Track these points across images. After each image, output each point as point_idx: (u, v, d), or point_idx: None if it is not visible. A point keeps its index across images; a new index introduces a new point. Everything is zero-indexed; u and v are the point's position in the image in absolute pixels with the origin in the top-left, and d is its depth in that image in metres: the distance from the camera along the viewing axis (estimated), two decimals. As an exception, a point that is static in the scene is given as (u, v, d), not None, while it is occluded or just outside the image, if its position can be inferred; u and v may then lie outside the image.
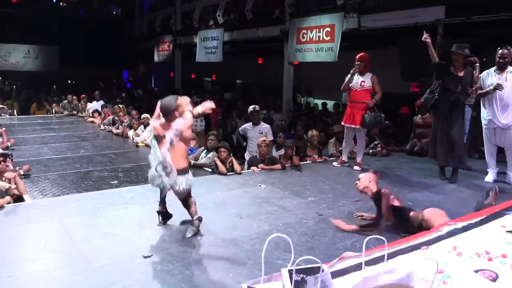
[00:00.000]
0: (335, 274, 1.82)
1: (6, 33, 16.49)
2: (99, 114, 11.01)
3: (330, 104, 11.50)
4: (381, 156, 6.77)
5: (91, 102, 12.18)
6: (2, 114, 11.57)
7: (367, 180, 3.73)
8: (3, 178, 4.44)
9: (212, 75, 17.91)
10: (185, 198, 3.58)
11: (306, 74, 12.55)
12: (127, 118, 9.34)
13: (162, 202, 3.78)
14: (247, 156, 6.59)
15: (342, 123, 6.14)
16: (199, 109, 3.64)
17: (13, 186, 4.43)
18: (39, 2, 17.25)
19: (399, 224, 3.54)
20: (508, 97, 4.97)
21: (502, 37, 6.31)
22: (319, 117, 10.28)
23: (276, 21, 10.77)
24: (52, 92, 12.93)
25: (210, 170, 5.93)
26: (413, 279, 1.44)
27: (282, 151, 6.35)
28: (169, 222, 3.85)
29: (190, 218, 3.57)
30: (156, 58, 16.96)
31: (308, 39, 9.56)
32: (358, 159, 6.03)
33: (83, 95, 12.63)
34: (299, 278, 1.40)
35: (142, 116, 8.74)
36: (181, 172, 3.47)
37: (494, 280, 1.87)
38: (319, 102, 12.25)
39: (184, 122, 3.41)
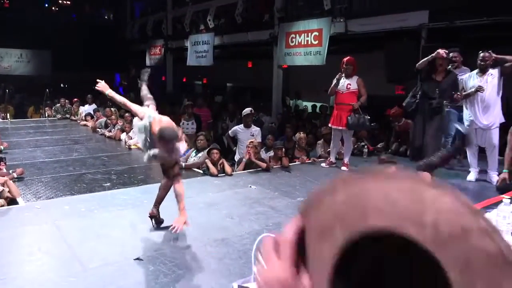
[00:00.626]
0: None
1: (-2, 37, 16.43)
2: (92, 117, 11.04)
3: (318, 106, 11.66)
4: (367, 156, 6.92)
5: (84, 106, 12.19)
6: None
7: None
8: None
9: (203, 79, 17.95)
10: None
11: (295, 77, 12.68)
12: (120, 121, 9.38)
13: (157, 205, 3.82)
14: (237, 157, 6.69)
15: (330, 125, 6.26)
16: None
17: (6, 189, 4.45)
18: (31, 6, 17.19)
19: None
20: (489, 98, 5.09)
21: (484, 41, 6.51)
22: (308, 119, 10.41)
23: (266, 26, 10.88)
24: (45, 96, 12.87)
25: (201, 171, 6.01)
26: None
27: (271, 153, 6.47)
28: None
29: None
30: (147, 62, 16.97)
31: (296, 43, 9.70)
32: (346, 160, 6.16)
33: (75, 99, 12.63)
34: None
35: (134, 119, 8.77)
36: None
37: None
38: (308, 104, 12.38)
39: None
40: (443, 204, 0.35)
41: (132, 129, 8.61)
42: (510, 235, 2.33)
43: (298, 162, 6.56)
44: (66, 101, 12.64)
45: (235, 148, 6.95)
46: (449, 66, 5.39)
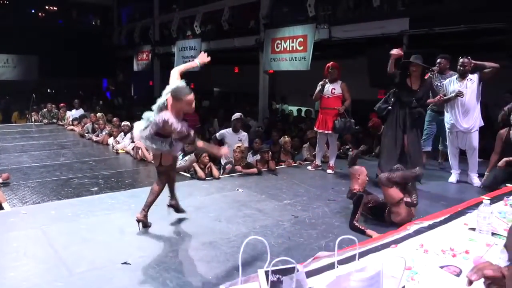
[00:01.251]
0: (310, 274, 1.84)
1: (-16, 43, 16.22)
2: (79, 122, 11.02)
3: (304, 110, 11.80)
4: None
5: (71, 111, 12.15)
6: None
7: (358, 172, 4.00)
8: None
9: (190, 84, 17.95)
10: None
11: (281, 82, 12.82)
12: (108, 126, 9.37)
13: (145, 209, 3.81)
14: (223, 161, 6.75)
15: (315, 129, 6.36)
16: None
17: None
18: (18, 12, 17.05)
19: (380, 218, 3.84)
20: (469, 102, 5.21)
21: (462, 48, 6.73)
22: (294, 123, 10.53)
23: (252, 32, 11.01)
24: (31, 101, 12.78)
25: (189, 175, 6.05)
26: (383, 276, 1.45)
27: (258, 156, 6.54)
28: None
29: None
30: (135, 67, 16.97)
31: (282, 49, 9.83)
32: (331, 163, 6.27)
33: (62, 104, 12.57)
34: (275, 278, 1.40)
35: (123, 123, 8.79)
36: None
37: (458, 275, 1.93)
38: (294, 108, 12.50)
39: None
40: None
41: (119, 133, 8.65)
42: (490, 236, 2.43)
43: (285, 166, 6.65)
44: (53, 106, 12.57)
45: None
46: (433, 71, 5.52)
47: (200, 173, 5.72)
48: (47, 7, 19.26)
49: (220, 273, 2.94)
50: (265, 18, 10.45)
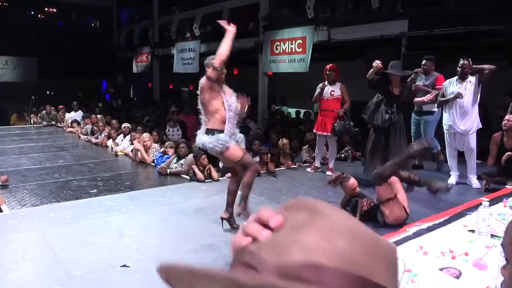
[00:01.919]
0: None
1: (-17, 45, 16.21)
2: (78, 124, 11.01)
3: (302, 112, 11.80)
4: (352, 161, 7.05)
5: (70, 113, 12.15)
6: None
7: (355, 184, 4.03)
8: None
9: (190, 85, 18.01)
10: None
11: (280, 84, 12.82)
12: (107, 128, 9.38)
13: (229, 208, 3.88)
14: (221, 164, 6.74)
15: (314, 131, 6.38)
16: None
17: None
18: (17, 13, 17.04)
19: (375, 220, 3.85)
20: (467, 104, 5.23)
21: (460, 49, 6.74)
22: (293, 125, 10.53)
23: (251, 34, 11.00)
24: (30, 103, 12.77)
25: (187, 177, 6.05)
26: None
27: (257, 158, 6.54)
28: (146, 229, 3.90)
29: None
30: (134, 69, 16.96)
31: (281, 51, 9.83)
32: (330, 165, 6.28)
33: (61, 106, 12.57)
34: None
35: (122, 125, 8.80)
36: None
37: (457, 277, 1.95)
38: (292, 110, 12.51)
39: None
40: None
41: (119, 135, 8.64)
42: (490, 237, 2.44)
43: (284, 167, 6.65)
44: (52, 108, 12.56)
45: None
46: (417, 73, 5.55)
47: (199, 175, 5.72)
48: (46, 9, 19.24)
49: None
50: (264, 20, 10.46)
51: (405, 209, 3.84)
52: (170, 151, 6.72)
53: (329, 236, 0.39)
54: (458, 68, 5.30)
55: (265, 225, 0.44)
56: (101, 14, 20.14)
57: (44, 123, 12.23)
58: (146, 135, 7.45)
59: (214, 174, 5.82)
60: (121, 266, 3.10)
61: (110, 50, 18.72)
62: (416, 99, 5.57)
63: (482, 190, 5.10)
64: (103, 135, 9.21)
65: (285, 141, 6.98)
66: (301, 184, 5.61)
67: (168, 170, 6.34)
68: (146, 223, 4.12)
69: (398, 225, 3.53)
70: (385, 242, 0.43)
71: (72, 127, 11.04)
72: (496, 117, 6.47)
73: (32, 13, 18.53)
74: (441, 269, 2.02)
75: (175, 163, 6.43)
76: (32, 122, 12.34)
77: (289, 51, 9.56)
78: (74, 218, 4.20)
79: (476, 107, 5.33)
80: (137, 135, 7.82)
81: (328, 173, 6.18)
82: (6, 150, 8.42)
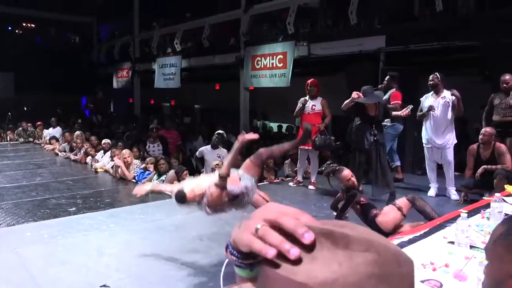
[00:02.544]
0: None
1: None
2: (57, 140, 10.80)
3: (284, 126, 11.89)
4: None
5: (48, 129, 11.92)
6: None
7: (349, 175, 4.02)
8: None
9: (171, 101, 17.97)
10: None
11: (261, 98, 12.93)
12: (86, 145, 9.23)
13: None
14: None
15: (296, 145, 6.43)
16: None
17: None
18: (-6, 29, 16.82)
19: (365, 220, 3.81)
20: (441, 119, 5.36)
21: (437, 64, 6.94)
22: (275, 139, 10.58)
23: (232, 49, 11.11)
24: (7, 119, 12.49)
25: (170, 194, 5.97)
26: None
27: (240, 174, 6.52)
28: (127, 247, 3.83)
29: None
30: (115, 85, 16.85)
31: (262, 66, 9.93)
32: (313, 179, 6.30)
33: (39, 122, 12.33)
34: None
35: (103, 141, 8.68)
36: None
37: None
38: (274, 125, 12.59)
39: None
40: None
41: (99, 151, 8.51)
42: (469, 248, 2.47)
43: (267, 182, 6.65)
44: (29, 124, 12.31)
45: (202, 170, 6.95)
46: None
47: (181, 191, 5.65)
48: (24, 24, 19.04)
49: (201, 294, 2.89)
50: (245, 36, 10.58)
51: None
52: (151, 167, 6.66)
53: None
54: (428, 82, 5.46)
55: (287, 234, 0.42)
56: (81, 30, 20.03)
57: (21, 139, 11.97)
58: (126, 151, 7.36)
59: (197, 189, 5.76)
60: (100, 286, 3.04)
61: (90, 66, 18.58)
62: (394, 113, 5.68)
63: (461, 201, 5.18)
64: (82, 151, 9.05)
65: (268, 155, 6.98)
66: (283, 198, 5.59)
67: (150, 188, 6.23)
68: (126, 241, 4.05)
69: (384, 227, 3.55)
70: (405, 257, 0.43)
71: (50, 143, 10.81)
72: (473, 130, 6.64)
73: (10, 28, 18.30)
74: (423, 281, 2.03)
75: (156, 179, 6.36)
76: (8, 139, 12.05)
77: (270, 66, 9.67)
78: (52, 238, 4.11)
79: (452, 123, 5.44)
80: (117, 151, 7.72)
81: (311, 187, 6.21)
82: (-20, 168, 8.18)
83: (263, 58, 9.89)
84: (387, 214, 3.74)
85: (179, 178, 5.84)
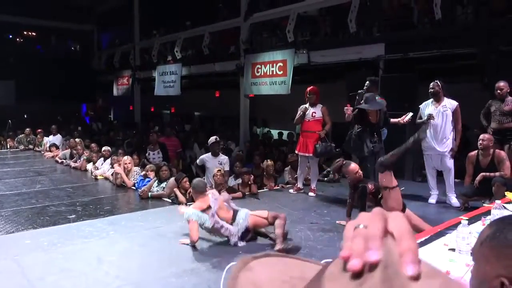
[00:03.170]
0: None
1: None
2: (57, 148, 10.80)
3: (285, 134, 11.90)
4: (334, 182, 7.09)
5: (48, 137, 11.92)
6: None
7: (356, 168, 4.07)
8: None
9: (171, 108, 18.00)
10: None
11: (262, 106, 12.96)
12: (86, 152, 9.22)
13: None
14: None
15: (296, 152, 6.43)
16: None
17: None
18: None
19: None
20: (441, 127, 5.39)
21: (437, 71, 6.97)
22: (275, 146, 10.59)
23: (232, 57, 11.18)
24: (7, 127, 12.49)
25: (169, 200, 5.97)
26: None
27: (240, 180, 6.51)
28: (127, 254, 3.83)
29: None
30: (115, 92, 16.91)
31: (262, 73, 9.98)
32: (313, 186, 6.30)
33: (39, 129, 12.34)
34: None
35: (103, 149, 8.68)
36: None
37: None
38: (275, 132, 12.61)
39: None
40: None
41: (99, 159, 8.50)
42: (470, 256, 2.47)
43: (267, 189, 6.64)
44: (29, 131, 12.32)
45: (204, 177, 6.92)
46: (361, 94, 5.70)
47: (181, 198, 5.66)
48: (25, 32, 19.15)
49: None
50: (245, 43, 10.64)
51: (403, 204, 3.87)
52: (151, 174, 6.65)
53: None
54: (429, 90, 5.47)
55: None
56: (81, 38, 20.12)
57: (21, 147, 11.96)
58: (127, 158, 7.36)
59: (196, 197, 5.75)
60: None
61: (90, 73, 18.65)
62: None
63: (461, 208, 5.17)
64: (82, 159, 9.05)
65: (269, 162, 6.98)
66: (284, 205, 5.59)
67: (150, 193, 6.26)
68: (126, 249, 4.04)
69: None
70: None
71: (50, 151, 10.81)
72: (473, 137, 6.62)
73: (11, 36, 18.41)
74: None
75: (156, 186, 6.36)
76: (8, 147, 12.04)
77: (270, 73, 9.71)
78: (51, 245, 4.09)
79: (452, 130, 5.45)
80: (117, 159, 7.72)
81: (311, 194, 6.20)
82: (-20, 175, 8.17)
83: (263, 65, 9.94)
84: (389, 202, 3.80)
85: (179, 185, 5.84)
